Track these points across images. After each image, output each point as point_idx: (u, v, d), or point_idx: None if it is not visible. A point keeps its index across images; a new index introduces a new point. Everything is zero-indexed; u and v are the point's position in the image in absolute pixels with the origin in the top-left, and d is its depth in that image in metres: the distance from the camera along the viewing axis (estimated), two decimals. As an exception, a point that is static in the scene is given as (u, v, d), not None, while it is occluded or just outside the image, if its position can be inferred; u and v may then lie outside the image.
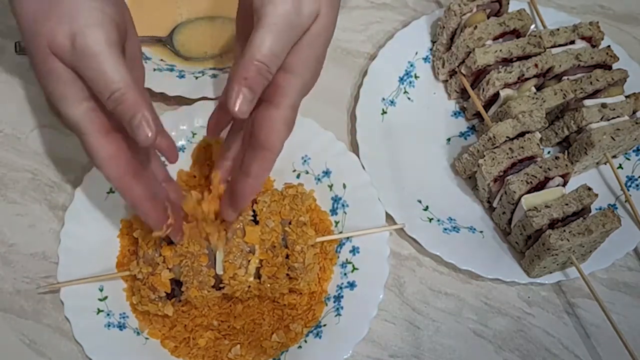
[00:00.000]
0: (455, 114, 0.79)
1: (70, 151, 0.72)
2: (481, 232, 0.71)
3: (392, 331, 0.67)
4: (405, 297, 0.69)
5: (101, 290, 0.64)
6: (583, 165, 0.73)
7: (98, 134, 0.49)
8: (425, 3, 0.86)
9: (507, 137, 0.68)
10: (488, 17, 0.75)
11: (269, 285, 0.62)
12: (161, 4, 0.81)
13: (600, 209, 0.71)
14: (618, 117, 0.72)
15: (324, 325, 0.64)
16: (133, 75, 0.48)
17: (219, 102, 0.62)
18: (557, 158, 0.68)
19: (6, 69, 0.77)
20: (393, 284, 0.69)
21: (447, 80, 0.79)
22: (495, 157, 0.67)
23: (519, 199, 0.66)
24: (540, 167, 0.67)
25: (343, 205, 0.69)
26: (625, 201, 0.72)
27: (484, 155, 0.68)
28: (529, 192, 0.66)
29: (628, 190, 0.73)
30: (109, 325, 0.63)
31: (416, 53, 0.80)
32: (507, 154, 0.67)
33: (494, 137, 0.68)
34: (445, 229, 0.70)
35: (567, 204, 0.65)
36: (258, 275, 0.62)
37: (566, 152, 0.74)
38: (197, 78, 0.74)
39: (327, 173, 0.70)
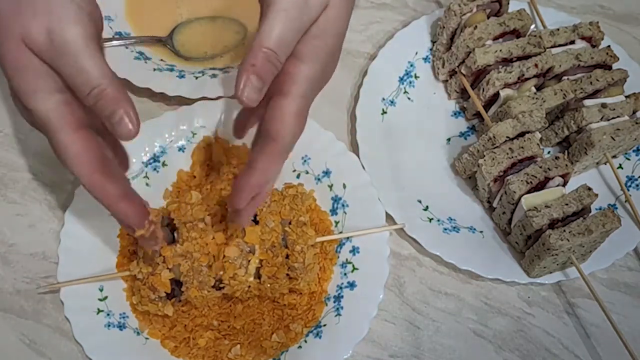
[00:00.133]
0: (455, 114, 0.79)
1: (70, 151, 0.72)
2: (481, 232, 0.71)
3: (392, 331, 0.67)
4: (405, 297, 0.69)
5: (101, 290, 0.64)
6: (583, 165, 0.73)
7: (68, 129, 0.47)
8: (425, 3, 0.86)
9: (507, 137, 0.68)
10: (488, 17, 0.75)
11: (269, 285, 0.62)
12: (161, 4, 0.81)
13: (600, 209, 0.71)
14: (618, 117, 0.72)
15: (324, 325, 0.64)
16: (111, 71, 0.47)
17: None
18: (557, 158, 0.68)
19: (6, 69, 0.77)
20: (393, 284, 0.69)
21: (447, 80, 0.79)
22: (495, 157, 0.67)
23: (519, 199, 0.66)
24: (540, 167, 0.67)
25: (343, 205, 0.69)
26: (625, 201, 0.72)
27: (484, 155, 0.68)
28: (529, 192, 0.66)
29: (628, 190, 0.73)
30: (109, 325, 0.63)
31: (416, 53, 0.80)
32: (507, 154, 0.67)
33: (494, 137, 0.68)
34: (445, 229, 0.70)
35: (567, 204, 0.65)
36: (258, 275, 0.62)
37: (566, 152, 0.74)
38: (197, 78, 0.74)
39: (327, 173, 0.70)
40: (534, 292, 0.70)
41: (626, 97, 0.73)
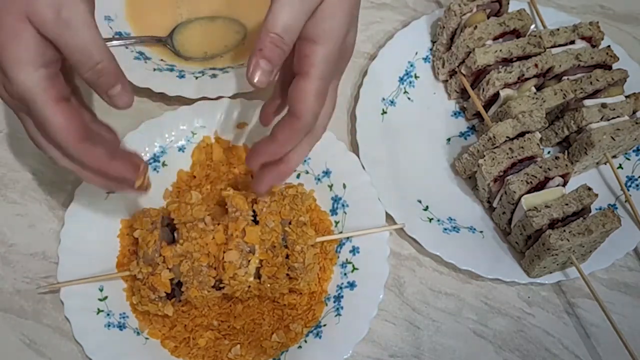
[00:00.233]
0: (455, 114, 0.79)
1: (70, 151, 0.72)
2: (481, 232, 0.71)
3: (392, 331, 0.67)
4: (405, 297, 0.69)
5: (101, 290, 0.64)
6: (583, 165, 0.73)
7: (52, 102, 0.49)
8: (425, 3, 0.86)
9: (507, 137, 0.68)
10: (488, 17, 0.75)
11: (269, 285, 0.62)
12: (161, 4, 0.81)
13: (600, 209, 0.71)
14: (618, 117, 0.72)
15: (324, 325, 0.64)
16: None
17: (274, 90, 0.62)
18: (557, 158, 0.68)
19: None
20: (393, 284, 0.69)
21: (447, 80, 0.79)
22: (495, 157, 0.67)
23: (519, 199, 0.66)
24: (540, 167, 0.67)
25: (343, 205, 0.69)
26: (625, 201, 0.72)
27: (484, 155, 0.68)
28: (529, 192, 0.66)
29: (628, 190, 0.73)
30: (109, 325, 0.63)
31: (416, 53, 0.80)
32: (507, 154, 0.67)
33: (494, 137, 0.68)
34: (445, 229, 0.70)
35: (567, 204, 0.65)
36: (258, 275, 0.62)
37: (566, 152, 0.74)
38: (197, 78, 0.74)
39: (327, 173, 0.70)
40: (534, 292, 0.70)
41: (626, 97, 0.73)
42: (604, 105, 0.72)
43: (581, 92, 0.73)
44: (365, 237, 0.67)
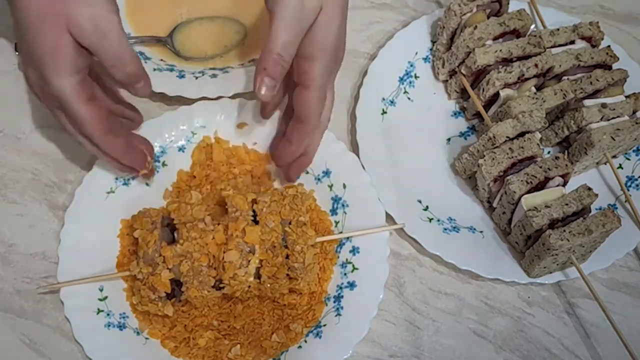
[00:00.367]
0: (455, 114, 0.79)
1: (70, 151, 0.72)
2: (481, 232, 0.71)
3: (392, 331, 0.67)
4: (405, 297, 0.69)
5: (101, 290, 0.64)
6: (583, 165, 0.73)
7: (82, 102, 0.57)
8: (425, 3, 0.86)
9: (507, 137, 0.68)
10: (488, 17, 0.75)
11: (269, 285, 0.62)
12: (161, 4, 0.81)
13: (600, 209, 0.71)
14: (618, 117, 0.72)
15: (324, 325, 0.64)
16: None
17: None
18: (557, 158, 0.68)
19: (6, 69, 0.77)
20: (393, 284, 0.69)
21: (447, 80, 0.79)
22: (495, 157, 0.67)
23: (519, 199, 0.66)
24: (540, 167, 0.67)
25: (343, 205, 0.69)
26: (625, 201, 0.72)
27: (484, 155, 0.68)
28: (529, 192, 0.66)
29: (628, 190, 0.73)
30: (109, 325, 0.63)
31: (416, 53, 0.80)
32: (507, 154, 0.67)
33: (494, 137, 0.68)
34: (445, 229, 0.70)
35: (567, 204, 0.65)
36: (258, 275, 0.62)
37: (566, 152, 0.74)
38: (197, 78, 0.74)
39: (327, 173, 0.70)
40: (534, 292, 0.70)
41: (626, 97, 0.73)
42: (604, 105, 0.72)
43: (581, 92, 0.73)
44: (365, 237, 0.67)
